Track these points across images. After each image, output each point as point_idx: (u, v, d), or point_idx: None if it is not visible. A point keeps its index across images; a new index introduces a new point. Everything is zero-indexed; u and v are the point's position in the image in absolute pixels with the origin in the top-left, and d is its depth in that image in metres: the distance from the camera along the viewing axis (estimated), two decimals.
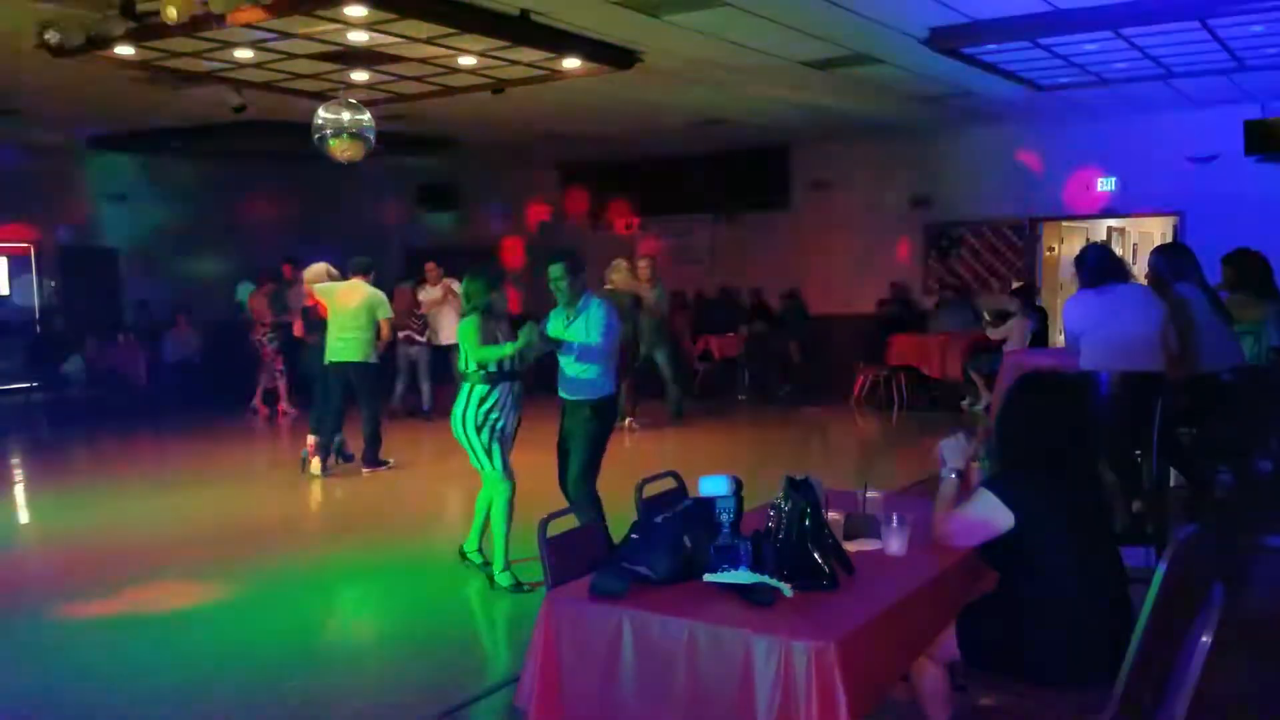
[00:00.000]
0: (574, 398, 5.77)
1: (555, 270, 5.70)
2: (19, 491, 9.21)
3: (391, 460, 9.07)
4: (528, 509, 5.63)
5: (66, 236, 15.59)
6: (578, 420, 5.78)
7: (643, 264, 11.02)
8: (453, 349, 11.64)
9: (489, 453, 5.65)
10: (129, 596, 5.85)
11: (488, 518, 5.87)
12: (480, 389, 5.60)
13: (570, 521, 3.64)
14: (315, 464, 8.79)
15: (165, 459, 10.65)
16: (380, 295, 8.76)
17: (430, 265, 12.15)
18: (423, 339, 11.86)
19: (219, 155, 15.86)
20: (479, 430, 5.61)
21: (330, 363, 8.64)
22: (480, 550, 6.01)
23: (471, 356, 5.61)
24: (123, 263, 16.35)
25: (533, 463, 6.32)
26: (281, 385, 12.65)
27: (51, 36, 8.03)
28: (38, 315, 15.14)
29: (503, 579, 5.74)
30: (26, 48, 8.56)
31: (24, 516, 8.35)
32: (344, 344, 8.56)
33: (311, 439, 8.92)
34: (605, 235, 18.14)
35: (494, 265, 6.25)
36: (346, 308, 8.55)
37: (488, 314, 5.72)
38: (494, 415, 5.63)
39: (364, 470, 8.89)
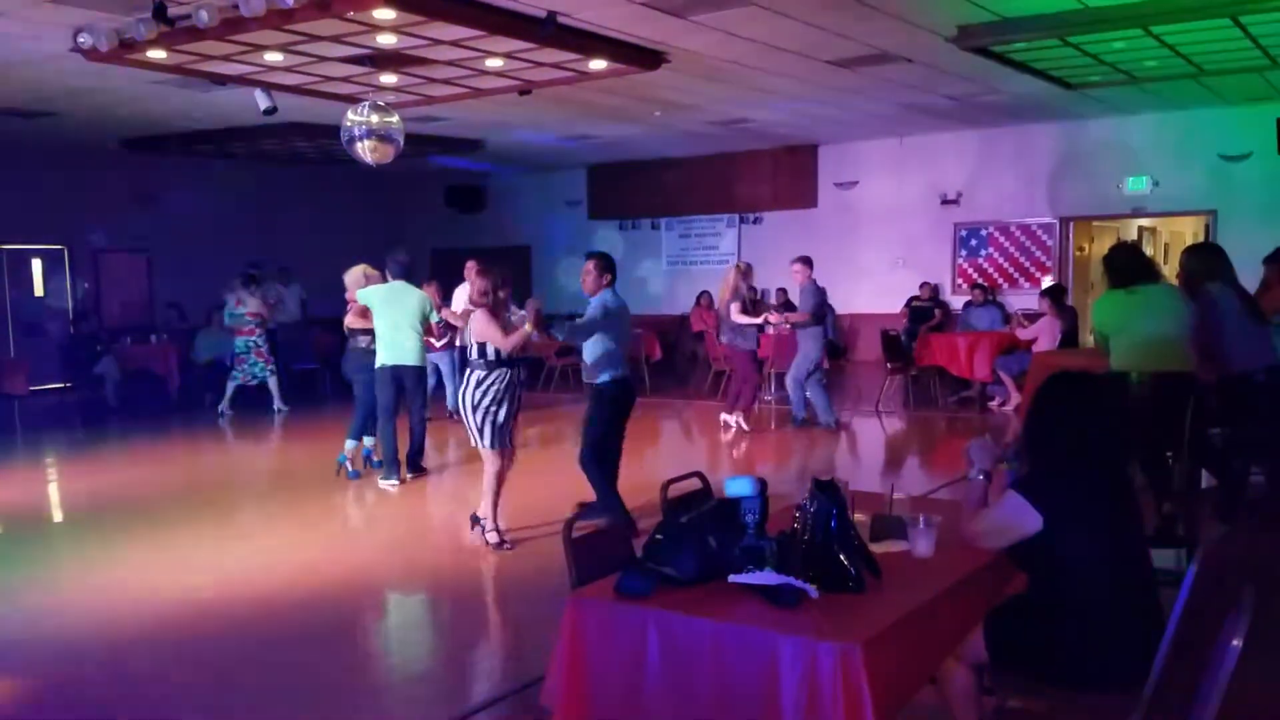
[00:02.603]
0: (585, 380, 6.79)
1: (585, 264, 6.69)
2: (54, 490, 9.34)
3: (429, 468, 9.04)
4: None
5: (99, 237, 15.78)
6: (590, 401, 6.74)
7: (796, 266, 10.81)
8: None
9: (480, 431, 6.32)
10: (156, 592, 5.92)
11: (496, 493, 6.53)
12: (478, 374, 6.29)
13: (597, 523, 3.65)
14: (355, 466, 8.89)
15: (204, 462, 10.75)
16: (428, 297, 8.65)
17: (471, 264, 12.00)
18: (439, 344, 11.69)
19: (249, 157, 16.01)
20: (474, 410, 6.29)
21: (387, 366, 8.32)
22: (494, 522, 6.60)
23: (490, 340, 6.25)
24: (154, 264, 16.54)
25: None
26: (274, 382, 12.93)
27: (85, 40, 8.13)
28: (71, 316, 15.32)
29: (490, 536, 6.50)
30: (61, 51, 8.67)
31: (58, 516, 8.47)
32: (402, 348, 8.31)
33: (351, 445, 8.81)
34: (632, 234, 18.20)
35: (498, 267, 6.69)
36: (402, 311, 8.31)
37: (497, 308, 6.37)
38: (488, 397, 6.28)
39: (408, 476, 8.68)
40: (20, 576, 6.44)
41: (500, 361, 6.29)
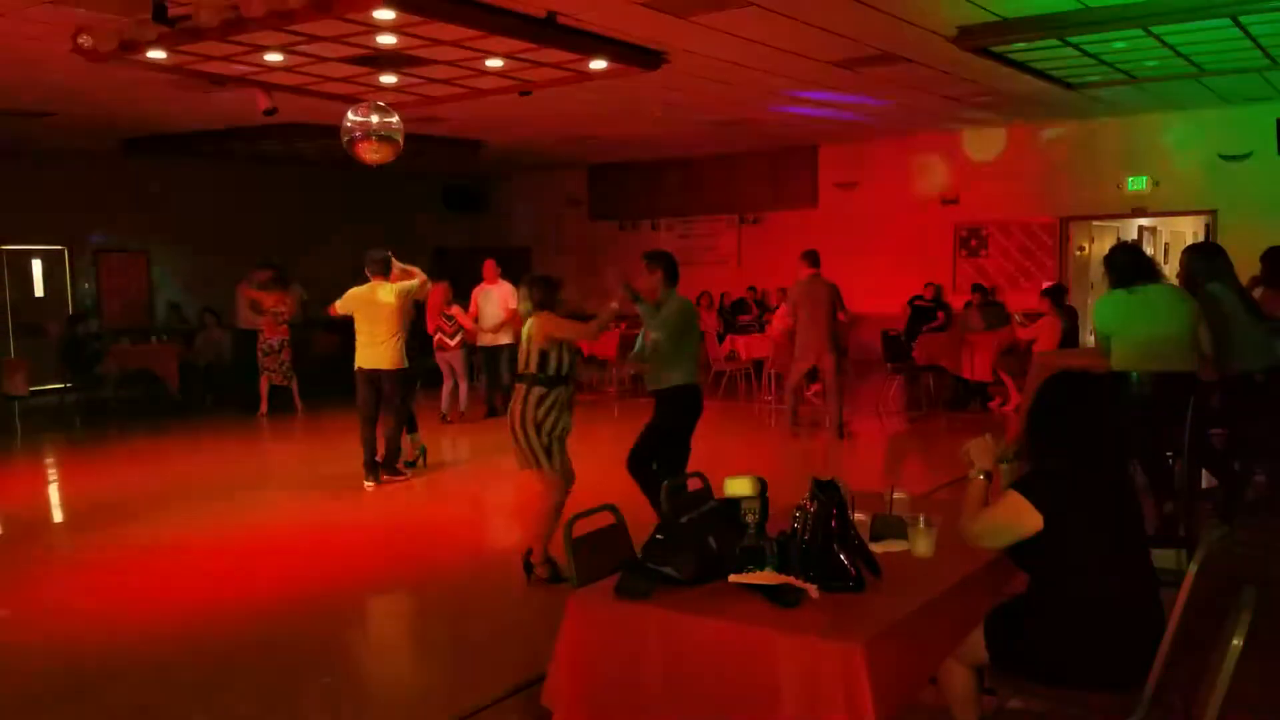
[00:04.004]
0: (654, 386, 6.34)
1: (643, 263, 6.36)
2: (53, 491, 9.34)
3: (408, 473, 8.91)
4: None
5: (99, 238, 15.77)
6: (662, 407, 6.32)
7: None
8: (501, 350, 11.60)
9: (548, 453, 5.75)
10: (155, 591, 5.91)
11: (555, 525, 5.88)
12: (538, 390, 5.70)
13: (596, 521, 3.65)
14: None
15: (205, 463, 10.74)
16: (403, 284, 8.46)
17: (490, 262, 11.93)
18: (453, 342, 11.60)
19: (249, 158, 16.00)
20: (538, 431, 5.71)
21: (362, 369, 8.41)
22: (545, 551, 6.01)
23: (575, 336, 5.81)
24: (155, 265, 16.53)
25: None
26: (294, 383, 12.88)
27: (85, 40, 8.13)
28: (71, 316, 15.31)
29: (541, 569, 5.84)
30: (61, 52, 8.67)
31: (58, 516, 8.46)
32: (374, 352, 8.33)
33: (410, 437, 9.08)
34: (632, 235, 18.19)
35: (550, 276, 6.28)
36: (375, 313, 8.32)
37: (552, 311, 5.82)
38: (552, 415, 5.73)
39: (382, 477, 8.62)
40: (18, 576, 6.43)
41: (559, 377, 5.74)
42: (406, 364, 8.56)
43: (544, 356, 5.69)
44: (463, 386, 11.71)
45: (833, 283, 10.19)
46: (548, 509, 5.80)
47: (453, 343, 11.49)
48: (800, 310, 10.12)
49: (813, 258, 10.33)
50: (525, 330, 5.80)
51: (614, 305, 5.95)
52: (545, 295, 5.79)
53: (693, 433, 6.48)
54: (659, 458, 6.29)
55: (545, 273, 6.13)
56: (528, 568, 5.90)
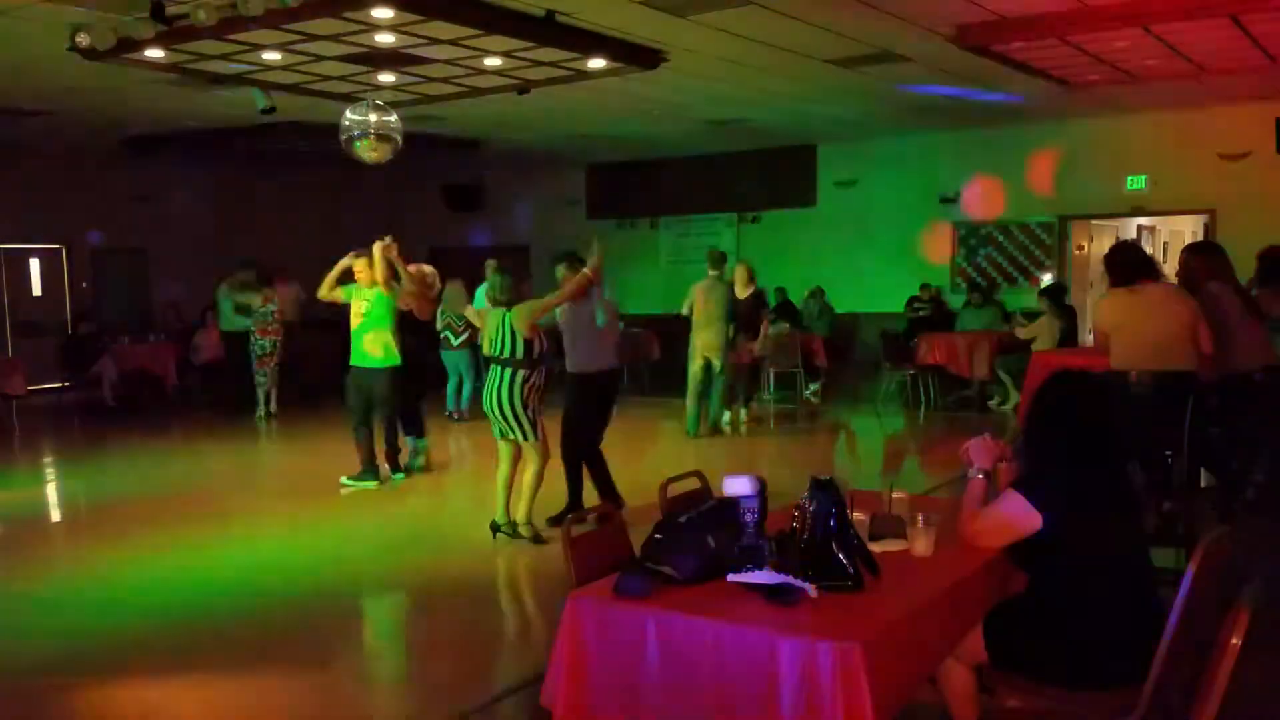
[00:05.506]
0: (590, 369, 7.05)
1: (559, 270, 6.95)
2: (51, 491, 9.33)
3: (405, 474, 8.79)
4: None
5: (97, 238, 15.76)
6: (608, 389, 7.21)
7: (740, 269, 11.31)
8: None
9: (534, 426, 6.45)
10: (149, 595, 5.90)
11: (510, 487, 6.67)
12: (523, 372, 6.35)
13: (594, 522, 3.64)
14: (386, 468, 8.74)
15: (199, 464, 10.74)
16: (380, 292, 8.35)
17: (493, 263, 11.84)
18: (458, 342, 11.40)
19: (248, 156, 15.98)
20: (525, 406, 6.39)
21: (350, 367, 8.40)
22: (507, 515, 6.70)
23: (549, 305, 6.58)
24: (153, 264, 16.51)
25: None
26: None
27: (83, 39, 8.12)
28: (69, 316, 15.30)
29: (525, 530, 6.60)
30: (58, 50, 8.65)
31: (56, 515, 8.45)
32: (354, 349, 8.31)
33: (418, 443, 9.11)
34: (631, 234, 18.19)
35: (514, 268, 6.80)
36: (357, 310, 8.31)
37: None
38: (534, 395, 6.44)
39: (382, 475, 8.56)
40: (18, 577, 6.43)
41: (538, 359, 6.43)
42: (374, 361, 8.27)
43: (529, 344, 6.36)
44: (468, 385, 11.64)
45: (760, 289, 10.78)
46: (533, 477, 6.57)
47: (457, 343, 11.38)
48: (698, 309, 10.22)
49: (716, 259, 10.62)
50: (496, 322, 6.41)
51: (587, 271, 6.60)
52: (514, 294, 6.47)
53: None
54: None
55: (509, 270, 6.79)
56: (494, 529, 6.64)
